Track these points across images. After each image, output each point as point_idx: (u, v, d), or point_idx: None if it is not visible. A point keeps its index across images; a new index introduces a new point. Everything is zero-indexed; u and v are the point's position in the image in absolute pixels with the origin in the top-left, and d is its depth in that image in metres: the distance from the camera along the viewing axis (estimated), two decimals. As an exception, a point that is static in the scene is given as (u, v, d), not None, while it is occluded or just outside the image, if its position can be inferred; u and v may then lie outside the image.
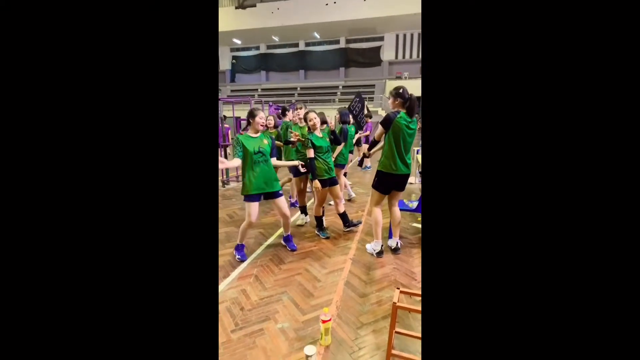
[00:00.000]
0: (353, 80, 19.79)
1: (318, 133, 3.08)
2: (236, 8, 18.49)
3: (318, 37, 19.84)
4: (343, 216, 3.28)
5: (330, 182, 3.12)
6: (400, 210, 2.90)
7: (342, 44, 20.14)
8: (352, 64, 20.20)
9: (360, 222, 3.50)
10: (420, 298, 1.68)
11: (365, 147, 2.90)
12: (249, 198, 2.60)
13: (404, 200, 3.28)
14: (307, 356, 1.57)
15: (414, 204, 3.20)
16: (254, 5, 18.27)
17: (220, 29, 19.10)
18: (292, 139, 3.37)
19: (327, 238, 3.21)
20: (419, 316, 1.77)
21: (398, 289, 1.61)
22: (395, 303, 1.50)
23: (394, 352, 1.56)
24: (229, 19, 18.50)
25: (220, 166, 2.33)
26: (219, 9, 19.09)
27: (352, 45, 20.06)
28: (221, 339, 1.78)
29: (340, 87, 19.72)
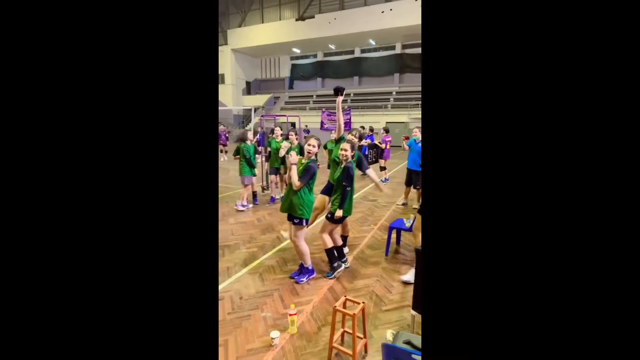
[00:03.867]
0: (407, 86, 19.58)
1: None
2: (296, 20, 19.70)
3: (374, 43, 20.05)
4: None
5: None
6: (398, 229, 3.22)
7: (398, 50, 20.04)
8: (408, 70, 19.96)
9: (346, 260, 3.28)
10: (358, 305, 2.07)
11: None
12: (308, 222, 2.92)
13: (403, 219, 3.58)
14: (272, 338, 2.11)
15: (410, 223, 3.48)
16: (313, 17, 19.25)
17: (281, 40, 20.62)
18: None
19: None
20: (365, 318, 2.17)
21: (345, 296, 2.05)
22: (335, 307, 1.95)
23: (334, 345, 2.00)
24: (289, 30, 19.81)
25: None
26: (281, 21, 20.60)
27: (408, 51, 19.82)
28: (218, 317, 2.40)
29: (394, 92, 19.67)
